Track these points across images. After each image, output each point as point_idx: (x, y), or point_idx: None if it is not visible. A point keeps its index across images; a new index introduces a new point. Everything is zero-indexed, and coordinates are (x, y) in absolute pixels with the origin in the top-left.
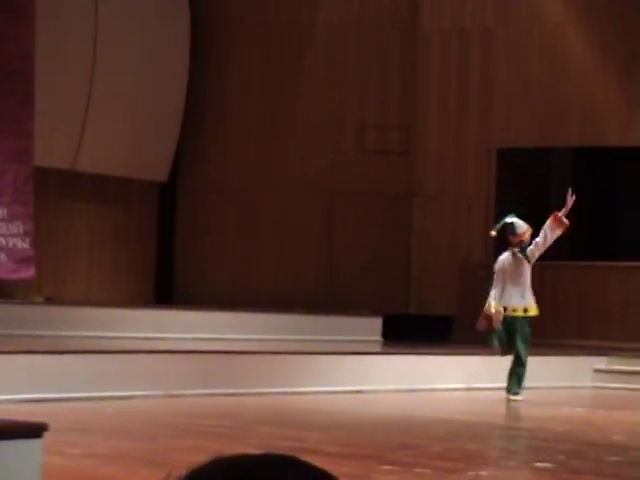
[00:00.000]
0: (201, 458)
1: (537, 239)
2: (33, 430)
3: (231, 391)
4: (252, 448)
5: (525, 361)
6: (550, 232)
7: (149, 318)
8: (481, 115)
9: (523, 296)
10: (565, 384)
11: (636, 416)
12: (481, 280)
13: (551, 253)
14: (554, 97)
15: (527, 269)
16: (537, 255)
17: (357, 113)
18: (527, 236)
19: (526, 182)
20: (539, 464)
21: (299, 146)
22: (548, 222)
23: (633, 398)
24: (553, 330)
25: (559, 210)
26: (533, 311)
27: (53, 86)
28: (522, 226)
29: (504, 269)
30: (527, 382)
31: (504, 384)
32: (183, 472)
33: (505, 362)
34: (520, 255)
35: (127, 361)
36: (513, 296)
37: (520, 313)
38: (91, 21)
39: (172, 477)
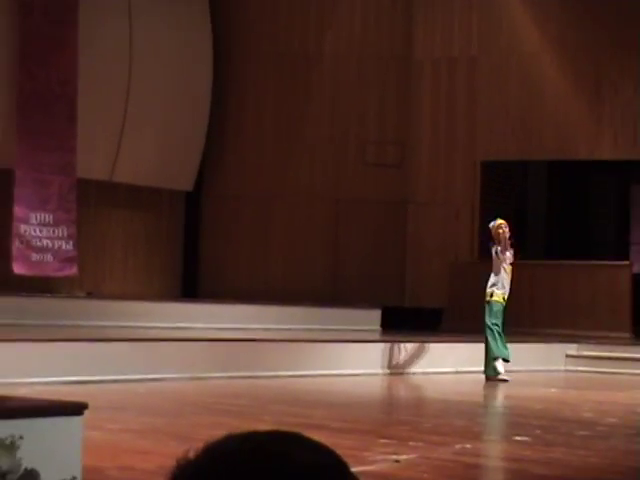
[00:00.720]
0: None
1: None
2: (75, 408)
3: (248, 374)
4: (266, 424)
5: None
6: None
7: (177, 310)
8: (467, 132)
9: None
10: (541, 368)
11: (603, 396)
12: (467, 277)
13: (528, 253)
14: (531, 116)
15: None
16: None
17: (358, 131)
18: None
19: (507, 190)
20: (517, 438)
21: (308, 159)
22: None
23: (601, 380)
24: (530, 320)
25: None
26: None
27: (93, 106)
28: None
29: None
30: (508, 366)
31: None
32: (200, 446)
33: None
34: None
35: (158, 348)
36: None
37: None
38: (126, 49)
39: (192, 451)
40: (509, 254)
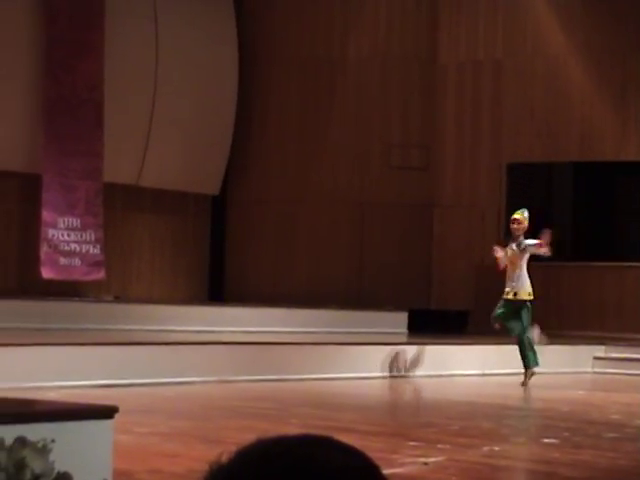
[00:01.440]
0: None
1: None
2: (106, 412)
3: (275, 377)
4: (293, 427)
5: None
6: (532, 249)
7: (203, 314)
8: (492, 134)
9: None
10: (568, 370)
11: (631, 398)
12: (493, 279)
13: (554, 255)
14: (556, 118)
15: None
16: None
17: (383, 134)
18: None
19: (532, 192)
20: (546, 440)
21: (332, 163)
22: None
23: (629, 382)
24: (557, 322)
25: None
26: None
27: (119, 111)
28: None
29: None
30: (537, 368)
31: (515, 370)
32: (233, 450)
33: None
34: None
35: (185, 351)
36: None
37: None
38: (152, 53)
39: (225, 455)
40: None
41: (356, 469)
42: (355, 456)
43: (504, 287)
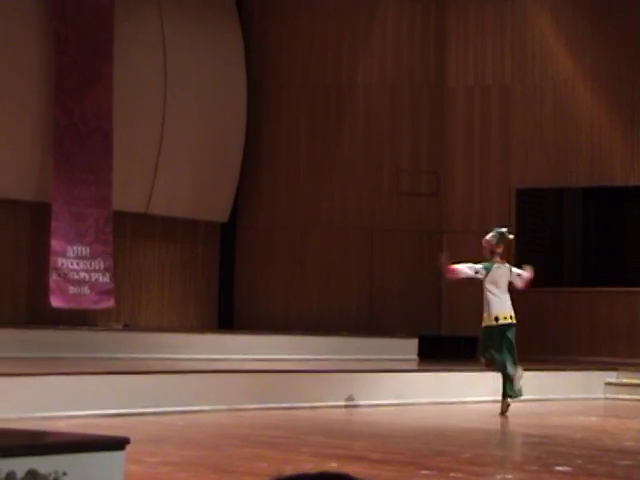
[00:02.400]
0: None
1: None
2: (117, 443)
3: (286, 405)
4: (304, 456)
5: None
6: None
7: (213, 342)
8: (501, 160)
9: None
10: (580, 396)
11: None
12: None
13: (565, 281)
14: (565, 144)
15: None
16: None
17: (392, 160)
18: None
19: (542, 218)
20: (559, 468)
21: (342, 189)
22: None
23: None
24: (568, 348)
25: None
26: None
27: (128, 139)
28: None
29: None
30: (548, 394)
31: (528, 397)
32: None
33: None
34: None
35: (195, 380)
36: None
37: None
38: (161, 82)
39: None
40: None
41: None
42: None
43: None
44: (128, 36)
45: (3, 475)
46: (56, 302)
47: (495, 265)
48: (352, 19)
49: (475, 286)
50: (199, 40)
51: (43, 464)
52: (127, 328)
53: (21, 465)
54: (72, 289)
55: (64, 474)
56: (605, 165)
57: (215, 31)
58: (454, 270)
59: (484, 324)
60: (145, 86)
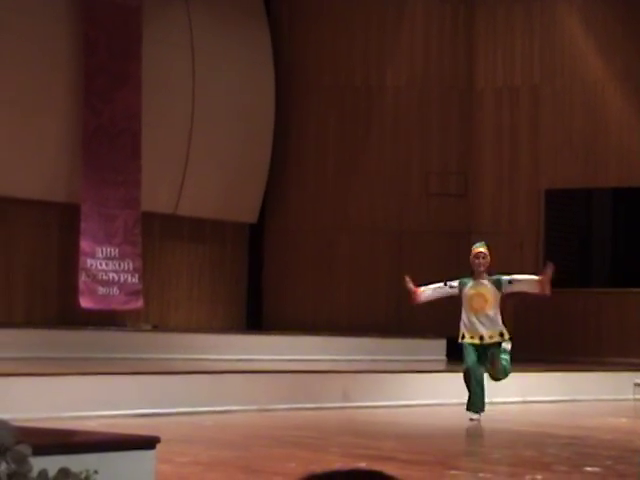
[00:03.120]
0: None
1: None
2: (148, 442)
3: (315, 405)
4: (334, 456)
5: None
6: (525, 286)
7: (242, 342)
8: (530, 161)
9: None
10: (609, 397)
11: None
12: (532, 306)
13: (594, 281)
14: (595, 144)
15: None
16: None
17: (421, 161)
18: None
19: (571, 219)
20: (588, 468)
21: (370, 191)
22: (533, 279)
23: None
24: (597, 349)
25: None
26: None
27: (157, 140)
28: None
29: None
30: (577, 395)
31: (557, 397)
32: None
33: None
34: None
35: (224, 380)
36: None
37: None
38: (189, 82)
39: None
40: None
41: None
42: None
43: (541, 314)
44: (156, 37)
45: (35, 473)
46: (85, 303)
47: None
48: (380, 21)
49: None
50: (227, 41)
51: (75, 462)
52: (156, 329)
53: (53, 463)
54: (101, 290)
55: (95, 472)
56: (635, 166)
57: (243, 32)
58: (417, 294)
59: None
60: (173, 87)
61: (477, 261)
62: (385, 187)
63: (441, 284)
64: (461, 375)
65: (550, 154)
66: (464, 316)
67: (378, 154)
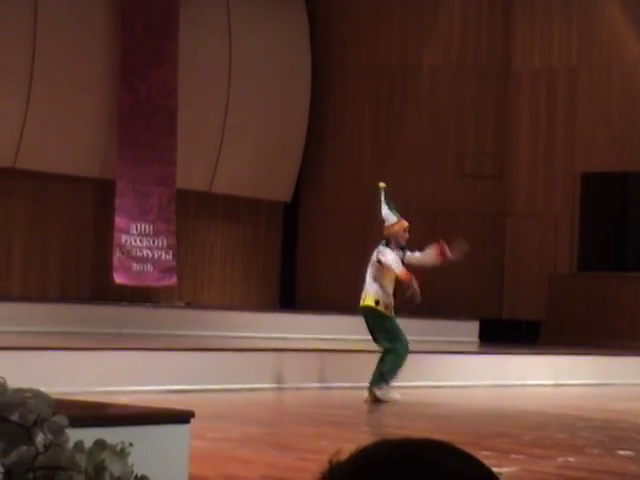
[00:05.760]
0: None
1: (416, 254)
2: (183, 416)
3: (347, 385)
4: (366, 435)
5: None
6: (426, 258)
7: (275, 320)
8: (566, 143)
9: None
10: None
11: None
12: (566, 289)
13: (629, 266)
14: (632, 127)
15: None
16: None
17: (456, 142)
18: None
19: (607, 203)
20: (621, 452)
21: (406, 172)
22: (430, 250)
23: None
24: (629, 333)
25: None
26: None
27: (192, 119)
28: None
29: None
30: (609, 379)
31: (589, 381)
32: (351, 450)
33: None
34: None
35: (256, 358)
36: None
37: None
38: (226, 62)
39: (341, 454)
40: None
41: (480, 478)
42: (477, 465)
43: (575, 298)
44: (194, 17)
45: (71, 444)
46: (119, 279)
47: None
48: (418, 0)
49: (538, 270)
50: (264, 22)
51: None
52: (189, 306)
53: (89, 435)
54: (135, 266)
55: (130, 445)
56: None
57: (281, 13)
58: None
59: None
60: (210, 67)
61: (406, 235)
62: (420, 167)
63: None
64: (493, 357)
65: (586, 137)
66: (389, 288)
67: (413, 134)
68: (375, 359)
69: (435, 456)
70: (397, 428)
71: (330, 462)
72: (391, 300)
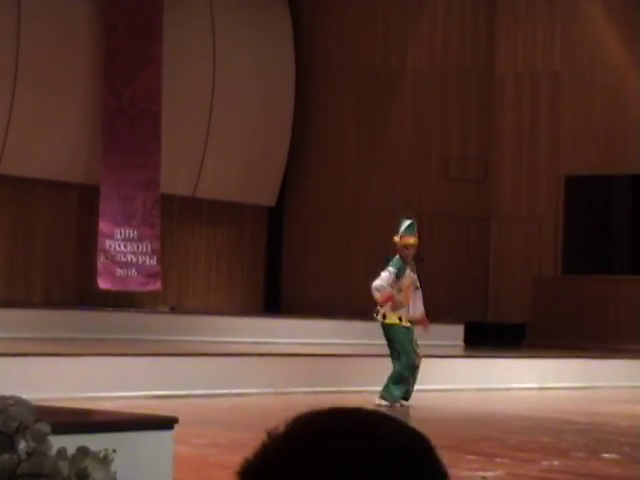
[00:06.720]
0: None
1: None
2: (166, 422)
3: (331, 389)
4: None
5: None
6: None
7: (259, 325)
8: (550, 146)
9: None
10: (626, 384)
11: None
12: (551, 292)
13: (614, 268)
14: (614, 130)
15: None
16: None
17: (441, 146)
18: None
19: (591, 205)
20: (606, 455)
21: (390, 175)
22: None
23: None
24: (615, 336)
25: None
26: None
27: (177, 123)
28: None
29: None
30: (594, 382)
31: (574, 384)
32: (299, 414)
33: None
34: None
35: (241, 363)
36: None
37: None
38: (210, 65)
39: (284, 424)
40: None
41: (422, 450)
42: (411, 433)
43: (559, 301)
44: (178, 20)
45: (54, 451)
46: (103, 284)
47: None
48: (402, 3)
49: (523, 273)
50: (248, 24)
51: (93, 442)
52: (174, 311)
53: (71, 442)
54: (119, 271)
55: (114, 451)
56: None
57: (264, 15)
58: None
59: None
60: (194, 70)
61: (408, 251)
62: (405, 170)
63: (391, 275)
64: (478, 361)
65: (570, 140)
66: (399, 297)
67: (398, 137)
68: (362, 363)
69: (393, 429)
70: None
71: (268, 434)
72: (402, 310)
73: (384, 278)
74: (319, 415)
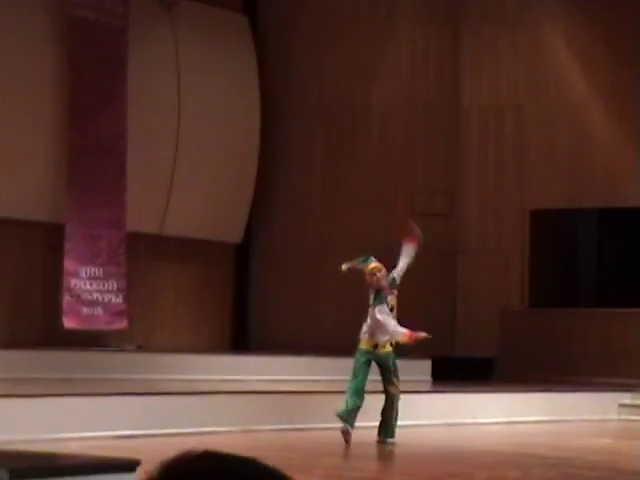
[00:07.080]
0: None
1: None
2: (128, 465)
3: (299, 426)
4: (318, 478)
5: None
6: (407, 255)
7: (227, 363)
8: (515, 180)
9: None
10: (593, 417)
11: None
12: (518, 325)
13: (580, 301)
14: (580, 164)
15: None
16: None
17: (407, 181)
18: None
19: (556, 238)
20: None
21: (356, 211)
22: (404, 247)
23: None
24: (582, 369)
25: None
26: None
27: (142, 161)
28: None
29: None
30: (561, 416)
31: (542, 418)
32: (168, 461)
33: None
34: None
35: (208, 401)
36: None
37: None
38: (175, 103)
39: (157, 469)
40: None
41: None
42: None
43: (527, 334)
44: (142, 56)
45: None
46: (69, 323)
47: None
48: (366, 39)
49: (489, 306)
50: (213, 61)
51: None
52: (140, 349)
53: None
54: (85, 310)
55: None
56: (620, 185)
57: (229, 52)
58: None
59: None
60: (159, 107)
61: (373, 278)
62: (371, 206)
63: (387, 315)
64: (446, 396)
65: (535, 174)
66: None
67: (364, 172)
68: (331, 400)
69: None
70: (350, 470)
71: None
72: (363, 335)
73: (389, 321)
74: (190, 459)
